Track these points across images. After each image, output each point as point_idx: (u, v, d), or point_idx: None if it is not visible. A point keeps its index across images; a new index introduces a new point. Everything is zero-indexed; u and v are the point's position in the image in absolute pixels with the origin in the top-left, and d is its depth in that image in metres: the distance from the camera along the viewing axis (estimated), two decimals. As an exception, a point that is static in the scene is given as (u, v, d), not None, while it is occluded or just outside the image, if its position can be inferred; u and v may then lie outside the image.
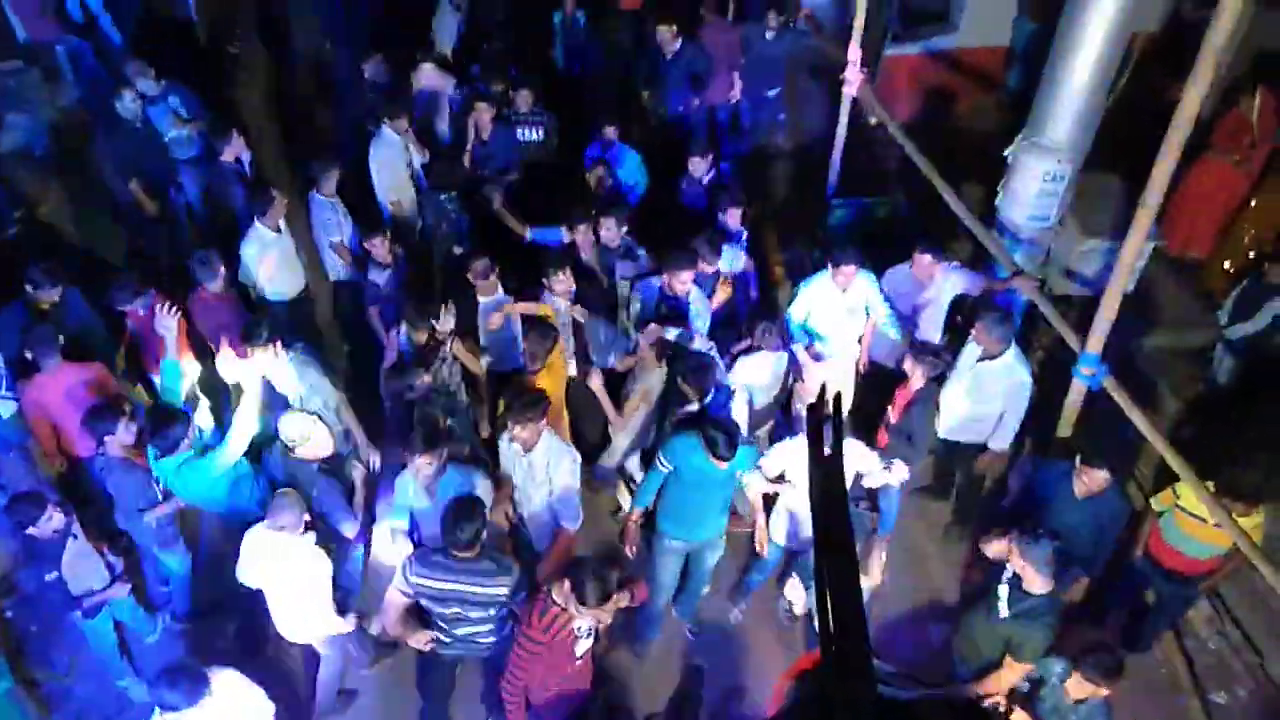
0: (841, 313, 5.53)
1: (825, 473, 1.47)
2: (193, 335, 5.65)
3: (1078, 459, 4.55)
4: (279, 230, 6.07)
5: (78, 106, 8.16)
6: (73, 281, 5.70)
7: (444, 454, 4.51)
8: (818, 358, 5.54)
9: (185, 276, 5.75)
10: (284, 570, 4.38)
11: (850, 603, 1.36)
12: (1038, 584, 4.09)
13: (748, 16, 8.30)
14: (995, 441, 5.25)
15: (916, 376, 4.98)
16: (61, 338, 5.14)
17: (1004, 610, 4.16)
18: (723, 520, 4.83)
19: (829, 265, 5.42)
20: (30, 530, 4.39)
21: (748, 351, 5.41)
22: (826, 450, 1.50)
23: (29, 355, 5.11)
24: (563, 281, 5.42)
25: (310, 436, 4.64)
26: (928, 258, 5.41)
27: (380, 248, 5.91)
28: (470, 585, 4.07)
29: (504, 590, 4.08)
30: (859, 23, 6.49)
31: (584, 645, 4.03)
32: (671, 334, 5.30)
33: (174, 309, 5.04)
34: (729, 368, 5.32)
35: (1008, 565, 4.19)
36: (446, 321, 5.28)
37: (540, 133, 7.08)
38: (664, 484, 4.70)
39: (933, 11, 8.86)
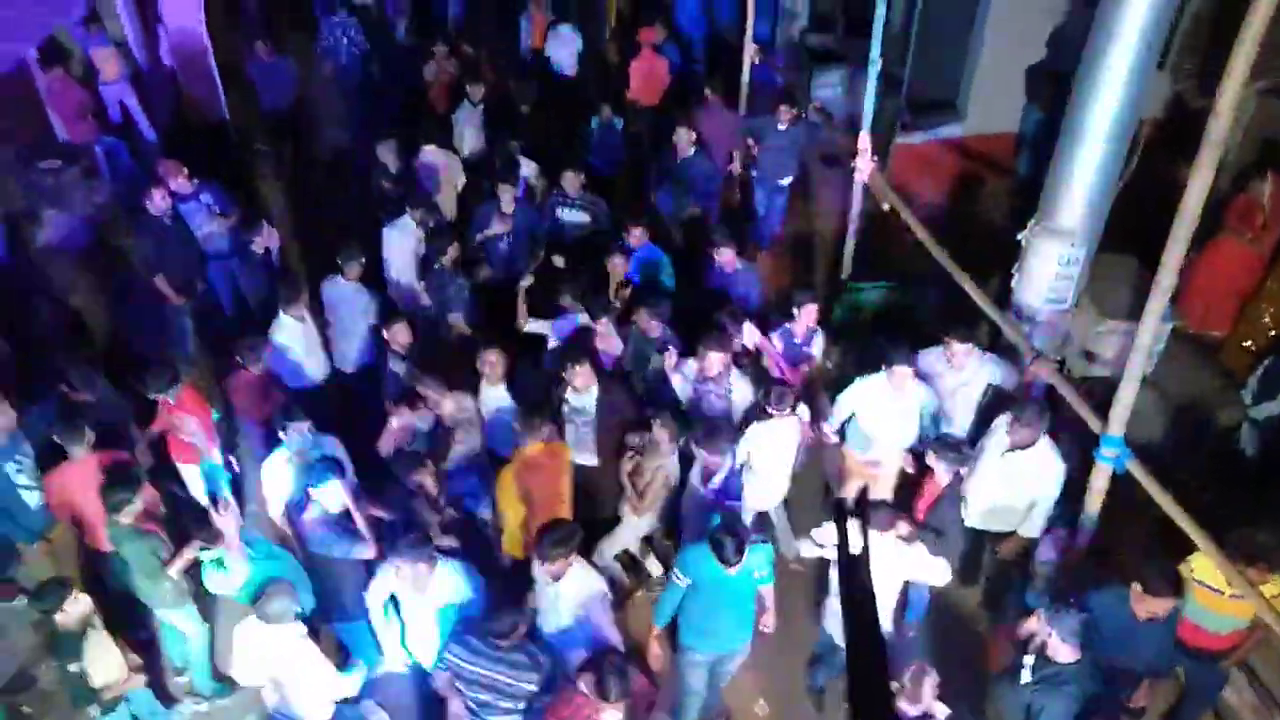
0: (894, 416, 5.49)
1: (854, 569, 1.48)
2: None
3: (1137, 586, 4.32)
4: (303, 320, 6.21)
5: (113, 202, 8.42)
6: (98, 367, 5.86)
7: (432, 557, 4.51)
8: (873, 464, 5.53)
9: (212, 365, 5.89)
10: (282, 660, 4.40)
11: (880, 700, 1.36)
12: (1063, 653, 4.06)
13: (759, 109, 8.52)
14: (1026, 530, 5.20)
15: (940, 471, 4.95)
16: (90, 434, 5.20)
17: (1026, 676, 4.12)
18: (748, 630, 4.74)
19: (882, 366, 5.37)
20: (56, 617, 4.43)
21: (759, 417, 5.42)
22: (855, 548, 1.51)
23: (58, 440, 5.18)
24: (582, 375, 5.43)
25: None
26: (964, 345, 5.39)
27: (402, 334, 5.98)
28: (502, 675, 4.07)
29: (533, 686, 4.06)
30: (868, 112, 6.68)
31: None
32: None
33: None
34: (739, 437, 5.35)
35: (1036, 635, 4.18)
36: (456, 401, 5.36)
37: (585, 216, 7.25)
38: (684, 598, 4.61)
39: (941, 101, 9.11)
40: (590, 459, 5.58)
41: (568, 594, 4.51)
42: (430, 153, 7.75)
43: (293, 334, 6.16)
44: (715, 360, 5.51)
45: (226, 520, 4.65)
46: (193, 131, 9.17)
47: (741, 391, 5.65)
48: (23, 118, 8.71)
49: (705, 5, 10.46)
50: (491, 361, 5.63)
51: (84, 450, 5.15)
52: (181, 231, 7.06)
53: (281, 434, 5.19)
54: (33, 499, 5.26)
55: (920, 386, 5.45)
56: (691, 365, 5.65)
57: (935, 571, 4.74)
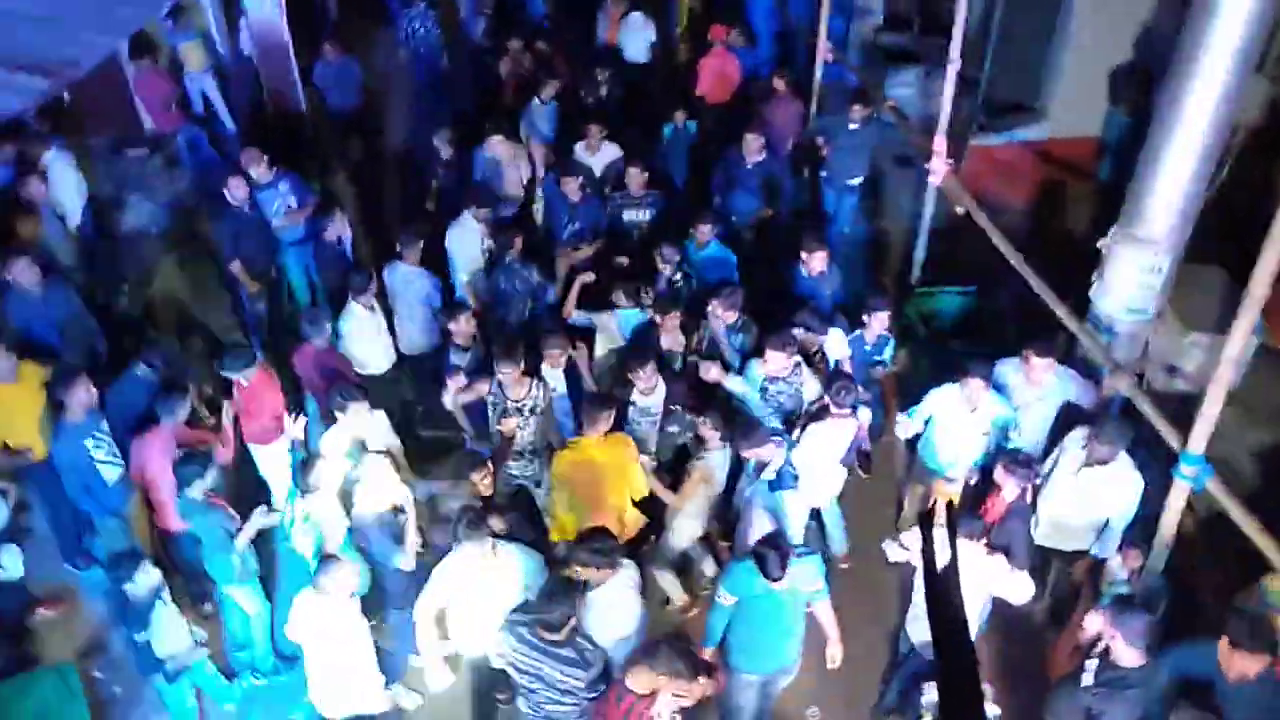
0: (966, 428, 5.38)
1: (943, 587, 1.42)
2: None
3: (1225, 641, 3.93)
4: (372, 309, 6.33)
5: (193, 190, 8.68)
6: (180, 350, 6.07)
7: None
8: (944, 477, 5.44)
9: (282, 350, 6.03)
10: (328, 636, 4.52)
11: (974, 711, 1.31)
12: (1127, 656, 3.91)
13: (832, 108, 8.39)
14: (1102, 550, 5.05)
15: (1010, 487, 4.82)
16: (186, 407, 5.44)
17: (1087, 679, 3.98)
18: (797, 647, 4.64)
19: (957, 376, 5.28)
20: (127, 587, 4.60)
21: (818, 416, 5.35)
22: (941, 564, 1.46)
23: (156, 409, 5.38)
24: (646, 378, 5.38)
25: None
26: (1044, 360, 5.24)
27: (464, 326, 6.02)
28: (549, 668, 4.05)
29: (579, 682, 4.04)
30: (944, 113, 6.53)
31: None
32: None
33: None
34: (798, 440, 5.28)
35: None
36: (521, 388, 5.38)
37: (650, 214, 7.27)
38: (732, 617, 4.52)
39: (1020, 102, 8.87)
40: (648, 460, 5.55)
41: (599, 604, 4.45)
42: (496, 144, 7.78)
43: (362, 322, 6.27)
44: (778, 359, 5.46)
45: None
46: (271, 123, 9.38)
47: (811, 388, 5.62)
48: (112, 107, 9.04)
49: (779, 3, 10.35)
50: (554, 351, 5.65)
51: (174, 422, 5.35)
52: (259, 219, 7.24)
53: (339, 413, 5.27)
54: (110, 475, 5.44)
55: (995, 400, 5.31)
56: (756, 366, 5.60)
57: (1017, 587, 4.58)
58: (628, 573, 4.55)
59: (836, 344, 5.89)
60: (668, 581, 5.70)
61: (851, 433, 5.41)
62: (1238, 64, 4.75)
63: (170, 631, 4.80)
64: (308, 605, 4.54)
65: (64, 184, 7.53)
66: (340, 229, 7.11)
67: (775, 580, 4.22)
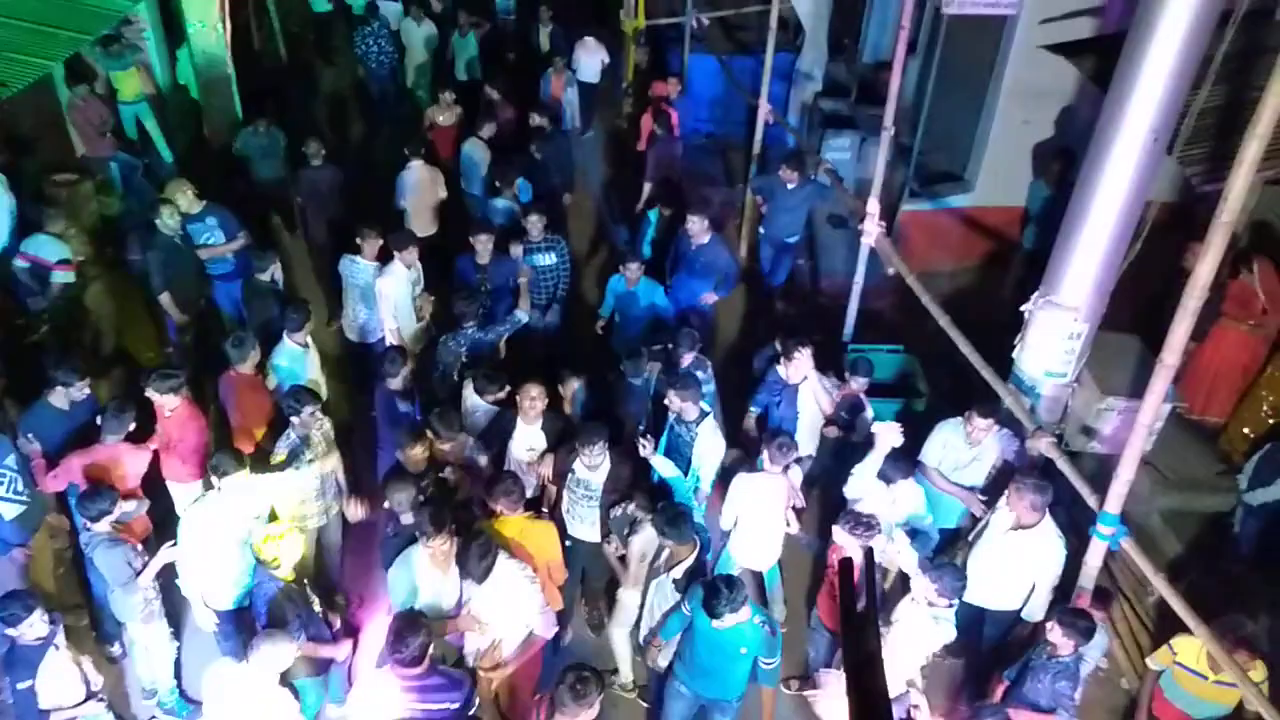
0: (966, 465, 5.55)
1: (859, 631, 1.44)
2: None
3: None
4: (306, 346, 6.25)
5: (125, 218, 8.46)
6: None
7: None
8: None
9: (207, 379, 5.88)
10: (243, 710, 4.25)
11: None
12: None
13: (770, 169, 8.61)
14: (1030, 612, 5.18)
15: (850, 546, 4.91)
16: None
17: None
18: (729, 692, 4.64)
19: (962, 414, 5.47)
20: (11, 632, 4.33)
21: (749, 467, 5.43)
22: (860, 606, 1.48)
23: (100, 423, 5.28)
24: (592, 455, 5.20)
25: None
26: (986, 421, 5.45)
27: (405, 377, 5.97)
28: (420, 703, 4.02)
29: (455, 705, 4.05)
30: (878, 177, 6.74)
31: None
32: None
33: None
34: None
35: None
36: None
37: (553, 257, 7.27)
38: (685, 629, 4.62)
39: (949, 171, 9.22)
40: (592, 534, 5.47)
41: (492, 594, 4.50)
42: (416, 167, 8.01)
43: (294, 359, 6.17)
44: (677, 402, 5.63)
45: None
46: (210, 156, 9.25)
47: (708, 443, 5.67)
48: (43, 131, 8.80)
49: (721, 66, 10.65)
50: (533, 396, 5.44)
51: (116, 439, 5.23)
52: (189, 251, 7.09)
53: (215, 478, 5.01)
54: (10, 512, 5.19)
55: (995, 436, 5.52)
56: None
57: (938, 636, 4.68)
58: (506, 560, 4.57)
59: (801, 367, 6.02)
60: (623, 655, 5.57)
61: (782, 492, 5.44)
62: (1150, 144, 5.03)
63: (60, 681, 4.48)
64: (226, 673, 4.30)
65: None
66: (275, 270, 7.00)
67: (714, 618, 4.25)
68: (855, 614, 1.50)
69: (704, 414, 5.74)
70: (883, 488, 5.30)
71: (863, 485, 5.35)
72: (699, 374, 6.07)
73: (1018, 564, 5.08)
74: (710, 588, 4.27)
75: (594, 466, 5.27)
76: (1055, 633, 4.49)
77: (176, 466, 5.70)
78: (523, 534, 4.90)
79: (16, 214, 7.38)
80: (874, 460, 5.35)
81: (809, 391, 6.11)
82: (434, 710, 4.06)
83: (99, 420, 5.36)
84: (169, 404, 5.54)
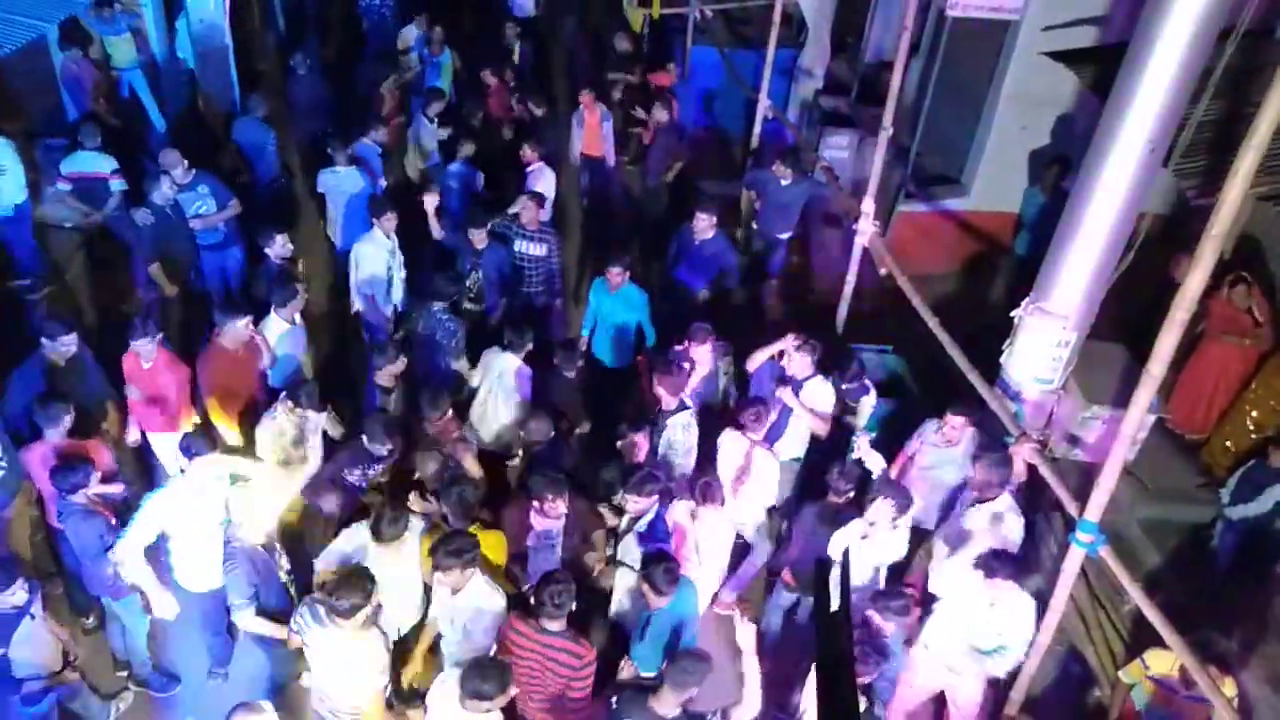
0: (940, 466, 5.58)
1: (831, 632, 1.44)
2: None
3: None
4: (293, 323, 6.19)
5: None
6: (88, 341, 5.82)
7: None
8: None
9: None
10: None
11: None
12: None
13: (767, 163, 8.60)
14: (992, 669, 5.04)
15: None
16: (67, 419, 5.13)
17: None
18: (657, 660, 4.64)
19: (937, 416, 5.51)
20: None
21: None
22: (834, 606, 1.48)
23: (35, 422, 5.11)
24: (552, 506, 4.99)
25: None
26: (959, 419, 5.48)
27: (393, 370, 5.88)
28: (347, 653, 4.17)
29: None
30: (874, 177, 6.74)
31: None
32: None
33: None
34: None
35: None
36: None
37: (544, 249, 7.19)
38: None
39: (946, 174, 9.23)
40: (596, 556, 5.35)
41: (462, 609, 4.48)
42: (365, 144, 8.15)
43: (281, 335, 6.12)
44: (669, 387, 5.66)
45: None
46: (202, 124, 9.17)
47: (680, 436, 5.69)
48: (37, 94, 8.71)
49: (724, 60, 10.62)
50: (554, 504, 5.01)
51: (59, 433, 5.08)
52: (179, 220, 7.04)
53: (184, 459, 4.99)
54: (-11, 476, 5.15)
55: (973, 432, 5.52)
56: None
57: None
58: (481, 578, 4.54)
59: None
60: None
61: (728, 533, 5.36)
62: (1146, 156, 5.04)
63: (36, 649, 4.47)
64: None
65: (11, 175, 7.22)
66: (280, 250, 6.78)
67: (660, 595, 4.46)
68: (828, 615, 1.49)
69: (683, 406, 5.74)
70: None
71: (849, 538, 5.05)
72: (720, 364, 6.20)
73: (979, 537, 5.11)
74: (647, 567, 4.47)
75: (554, 516, 5.03)
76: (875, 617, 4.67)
77: (155, 415, 5.66)
78: None
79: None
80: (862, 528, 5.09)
81: (808, 395, 5.99)
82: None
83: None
84: (147, 353, 5.55)
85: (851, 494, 5.25)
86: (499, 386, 6.08)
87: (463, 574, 4.39)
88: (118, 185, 7.18)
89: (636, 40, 11.15)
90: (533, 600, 4.35)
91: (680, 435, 5.70)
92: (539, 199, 7.25)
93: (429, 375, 6.34)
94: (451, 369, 6.45)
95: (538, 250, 7.19)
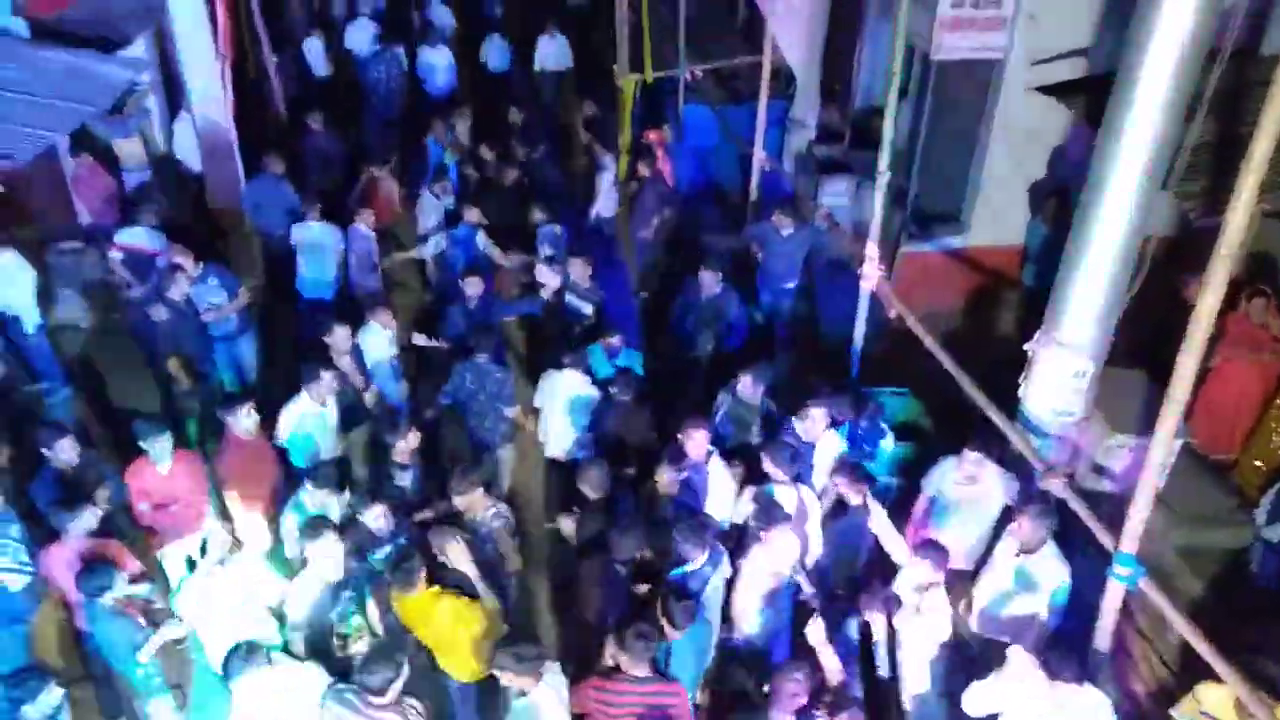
0: (967, 506, 5.51)
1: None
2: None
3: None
4: (324, 405, 6.18)
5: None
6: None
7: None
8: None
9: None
10: None
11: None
12: None
13: (767, 215, 8.67)
14: (1029, 641, 5.03)
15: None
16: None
17: None
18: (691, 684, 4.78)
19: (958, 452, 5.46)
20: (26, 708, 4.23)
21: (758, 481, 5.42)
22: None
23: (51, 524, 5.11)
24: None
25: None
26: (975, 455, 5.42)
27: (408, 446, 5.86)
28: None
29: None
30: (876, 221, 6.77)
31: None
32: None
33: None
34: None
35: None
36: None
37: (590, 308, 7.37)
38: None
39: (945, 212, 9.27)
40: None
41: (521, 713, 4.34)
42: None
43: (303, 414, 6.11)
44: (700, 440, 5.60)
45: None
46: (209, 216, 9.34)
47: (720, 481, 5.68)
48: (49, 200, 8.91)
49: (717, 116, 10.78)
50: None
51: (77, 535, 5.07)
52: (193, 315, 7.13)
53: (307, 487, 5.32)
54: (15, 583, 5.14)
55: (997, 472, 5.48)
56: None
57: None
58: (554, 684, 4.41)
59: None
60: None
61: (793, 502, 5.39)
62: (1144, 180, 5.06)
63: None
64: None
65: (21, 286, 7.40)
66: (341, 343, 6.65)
67: (676, 630, 4.58)
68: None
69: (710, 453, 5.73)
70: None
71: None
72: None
73: (1023, 589, 5.03)
74: (666, 605, 4.56)
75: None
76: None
77: (167, 522, 5.65)
78: (426, 615, 4.86)
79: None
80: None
81: (826, 449, 5.96)
82: None
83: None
84: (158, 451, 5.56)
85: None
86: (561, 406, 6.39)
87: (520, 679, 4.30)
88: (163, 263, 7.41)
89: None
90: (614, 654, 4.38)
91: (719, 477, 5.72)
92: (588, 258, 7.50)
93: (477, 438, 6.64)
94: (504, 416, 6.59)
95: (586, 308, 7.38)
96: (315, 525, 4.93)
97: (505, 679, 4.31)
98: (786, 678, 4.35)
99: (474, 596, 4.89)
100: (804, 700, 4.35)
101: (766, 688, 4.54)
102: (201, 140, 9.19)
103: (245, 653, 4.32)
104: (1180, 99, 4.87)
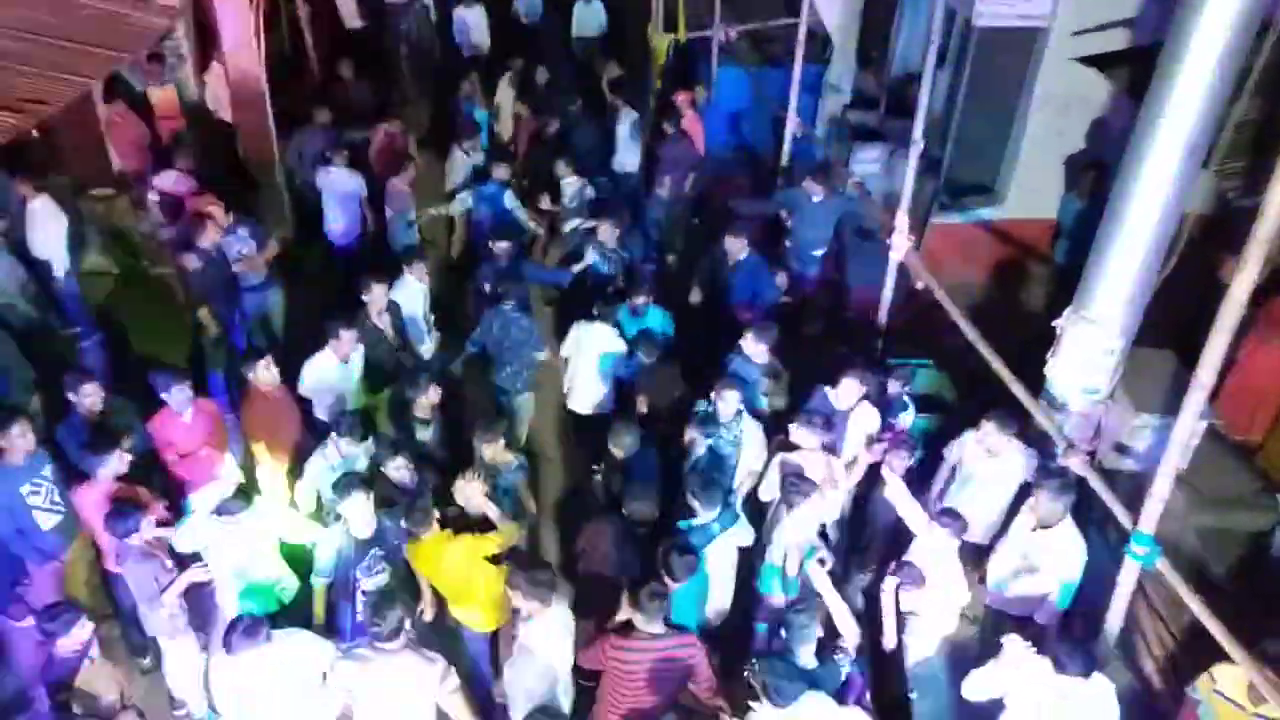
0: (986, 480, 5.51)
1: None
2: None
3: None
4: (345, 361, 6.24)
5: (159, 232, 8.62)
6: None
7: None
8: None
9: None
10: None
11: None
12: None
13: (799, 181, 8.58)
14: (1041, 616, 5.10)
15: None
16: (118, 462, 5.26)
17: None
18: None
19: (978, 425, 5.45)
20: (61, 641, 4.39)
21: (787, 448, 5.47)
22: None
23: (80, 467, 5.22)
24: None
25: None
26: (995, 426, 5.39)
27: (429, 396, 5.92)
28: (398, 673, 4.20)
29: (430, 679, 4.23)
30: (907, 191, 6.69)
31: None
32: None
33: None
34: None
35: None
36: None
37: (615, 268, 7.40)
38: None
39: (980, 184, 9.14)
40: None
41: (530, 639, 4.55)
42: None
43: (326, 369, 6.20)
44: (731, 400, 5.67)
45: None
46: (241, 169, 9.38)
47: (752, 438, 5.77)
48: (82, 147, 8.98)
49: (752, 79, 10.64)
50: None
51: (108, 476, 5.19)
52: (224, 265, 7.21)
53: (333, 443, 5.46)
54: (47, 522, 5.27)
55: (1020, 448, 5.46)
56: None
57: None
58: (560, 613, 4.61)
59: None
60: None
61: (821, 467, 5.46)
62: (1186, 158, 4.95)
63: (94, 690, 4.52)
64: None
65: (51, 232, 7.49)
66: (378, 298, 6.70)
67: (675, 581, 4.66)
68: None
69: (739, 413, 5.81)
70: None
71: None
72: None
73: (1039, 562, 5.03)
74: (666, 555, 4.67)
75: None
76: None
77: (193, 469, 5.75)
78: (439, 557, 4.98)
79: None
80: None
81: (858, 420, 5.94)
82: (408, 687, 4.23)
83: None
84: (177, 401, 5.68)
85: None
86: (588, 357, 6.54)
87: (530, 603, 4.49)
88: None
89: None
90: (629, 613, 4.46)
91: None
92: (618, 221, 7.55)
93: (509, 380, 6.75)
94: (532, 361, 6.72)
95: (609, 269, 7.43)
96: (346, 484, 5.00)
97: (515, 600, 4.50)
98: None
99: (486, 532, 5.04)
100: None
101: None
102: (233, 91, 9.21)
103: (246, 629, 4.29)
104: (1227, 74, 4.74)
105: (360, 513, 4.95)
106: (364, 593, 5.02)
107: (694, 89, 9.82)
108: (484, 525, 5.09)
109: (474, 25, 11.74)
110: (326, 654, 4.44)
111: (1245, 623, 4.33)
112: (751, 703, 4.21)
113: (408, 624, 4.28)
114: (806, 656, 4.50)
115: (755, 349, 6.23)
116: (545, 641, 4.54)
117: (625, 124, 9.53)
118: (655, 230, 8.94)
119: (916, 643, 5.17)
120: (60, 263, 7.56)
